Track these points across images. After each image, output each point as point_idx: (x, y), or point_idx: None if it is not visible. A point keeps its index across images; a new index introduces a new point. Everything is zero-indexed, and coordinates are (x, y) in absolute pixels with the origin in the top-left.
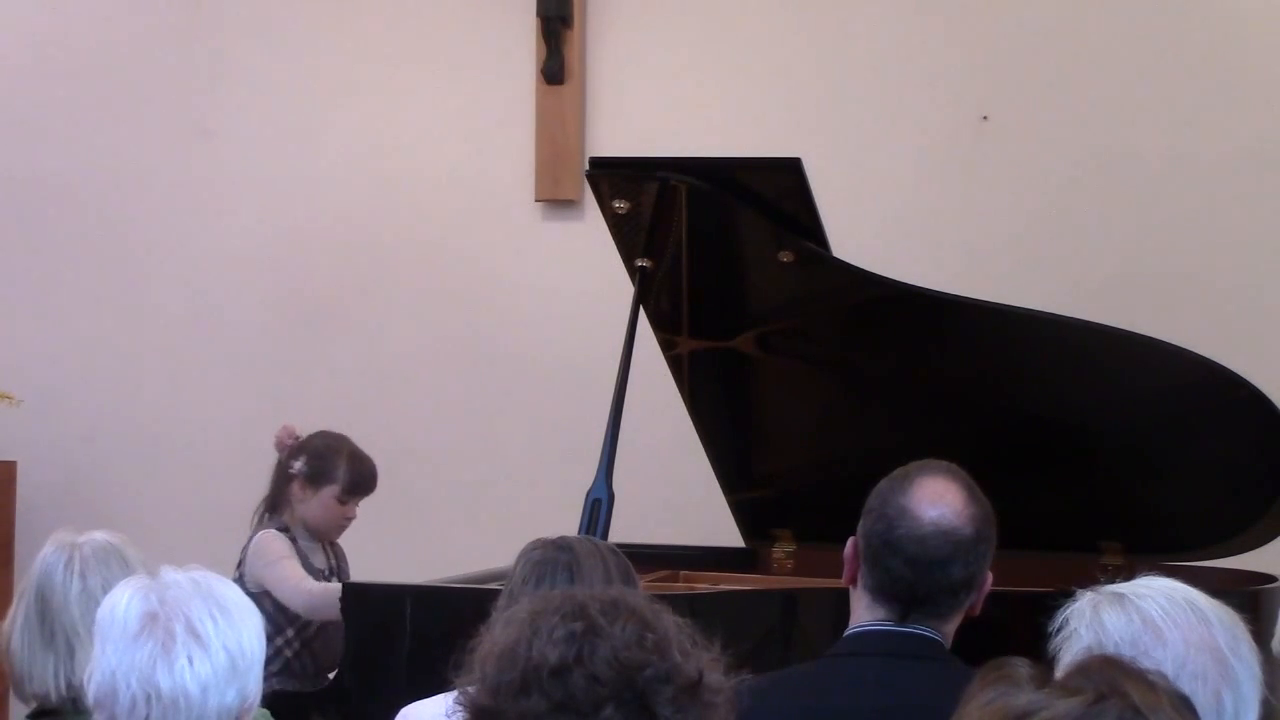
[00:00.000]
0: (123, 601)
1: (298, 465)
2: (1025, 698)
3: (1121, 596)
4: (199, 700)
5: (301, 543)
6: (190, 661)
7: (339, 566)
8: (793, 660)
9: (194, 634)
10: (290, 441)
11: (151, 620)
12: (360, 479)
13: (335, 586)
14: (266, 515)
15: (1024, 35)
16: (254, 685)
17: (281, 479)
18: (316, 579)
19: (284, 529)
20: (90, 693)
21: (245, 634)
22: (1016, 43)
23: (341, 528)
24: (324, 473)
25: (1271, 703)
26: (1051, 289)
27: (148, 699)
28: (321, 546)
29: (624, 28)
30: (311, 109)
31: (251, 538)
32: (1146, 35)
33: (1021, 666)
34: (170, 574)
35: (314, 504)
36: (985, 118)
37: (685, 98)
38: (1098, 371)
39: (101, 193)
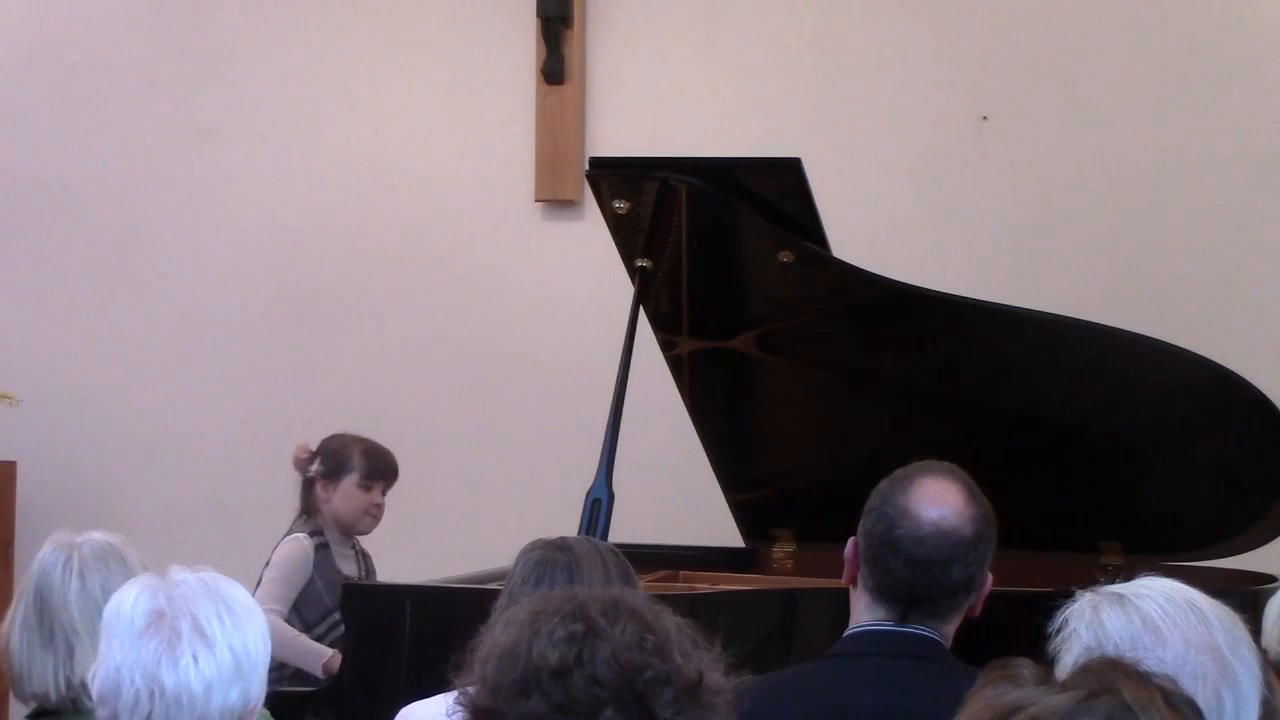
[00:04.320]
0: (130, 598)
1: (314, 467)
2: (1018, 693)
3: (1121, 597)
4: (202, 698)
5: (334, 547)
6: (195, 659)
7: (366, 578)
8: (793, 660)
9: (200, 633)
10: (305, 455)
11: (158, 618)
12: (377, 463)
13: (290, 633)
14: (302, 519)
15: (1024, 35)
16: (258, 687)
17: (307, 490)
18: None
19: (317, 531)
20: (94, 689)
21: (251, 635)
22: (1016, 43)
23: (373, 517)
24: (340, 465)
25: (1272, 703)
26: (1052, 289)
27: (151, 695)
28: (354, 554)
29: (624, 28)
30: (311, 109)
31: (283, 537)
32: (1147, 35)
33: (1025, 667)
34: (179, 573)
35: (338, 498)
36: (985, 118)
37: (685, 98)
38: (1098, 372)
39: (101, 192)
